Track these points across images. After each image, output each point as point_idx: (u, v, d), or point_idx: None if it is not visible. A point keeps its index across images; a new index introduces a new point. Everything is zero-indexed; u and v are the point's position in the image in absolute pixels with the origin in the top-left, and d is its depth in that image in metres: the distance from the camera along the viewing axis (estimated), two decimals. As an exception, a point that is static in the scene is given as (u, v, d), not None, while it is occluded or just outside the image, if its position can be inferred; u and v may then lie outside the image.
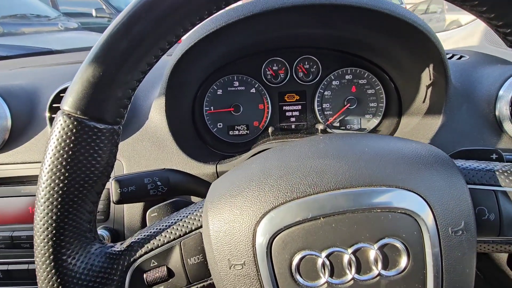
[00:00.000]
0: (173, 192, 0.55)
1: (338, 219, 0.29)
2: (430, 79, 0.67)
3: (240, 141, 0.90)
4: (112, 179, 0.49)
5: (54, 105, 0.74)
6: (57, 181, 0.31)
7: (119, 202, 0.49)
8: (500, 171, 0.35)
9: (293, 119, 0.90)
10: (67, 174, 0.31)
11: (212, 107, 0.89)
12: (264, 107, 0.89)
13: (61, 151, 0.31)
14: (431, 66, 0.65)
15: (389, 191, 0.29)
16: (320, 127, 0.81)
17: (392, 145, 0.33)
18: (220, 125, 0.90)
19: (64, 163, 0.31)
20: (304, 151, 0.34)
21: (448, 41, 1.04)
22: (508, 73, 0.65)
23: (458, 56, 0.83)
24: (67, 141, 0.31)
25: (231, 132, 0.90)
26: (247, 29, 0.66)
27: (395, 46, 0.69)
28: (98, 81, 0.31)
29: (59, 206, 0.32)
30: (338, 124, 0.89)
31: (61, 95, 0.74)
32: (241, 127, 0.90)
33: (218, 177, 0.69)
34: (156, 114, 0.69)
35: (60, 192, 0.32)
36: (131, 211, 0.67)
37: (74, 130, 0.31)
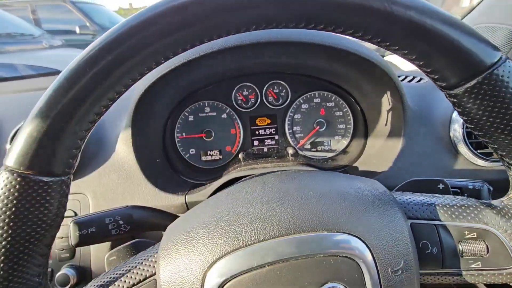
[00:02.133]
0: (137, 229, 0.54)
1: (282, 266, 0.29)
2: (390, 104, 0.71)
3: (213, 167, 0.90)
4: (71, 221, 0.48)
5: None
6: None
7: (78, 245, 0.48)
8: (440, 205, 0.37)
9: (265, 143, 0.92)
10: (10, 231, 0.31)
11: (183, 133, 0.89)
12: (236, 131, 0.90)
13: (4, 208, 0.30)
14: (388, 93, 0.68)
15: (330, 236, 0.30)
16: (290, 151, 0.83)
17: (336, 187, 0.35)
18: (192, 151, 0.90)
19: (6, 220, 0.31)
20: (254, 195, 0.35)
21: (411, 62, 1.09)
22: (460, 97, 0.69)
23: (417, 79, 0.88)
24: (10, 197, 0.30)
25: (204, 158, 0.90)
26: (213, 60, 0.67)
27: (355, 74, 0.72)
28: (42, 136, 0.31)
29: (1, 265, 0.31)
30: (309, 146, 0.91)
31: None
32: (214, 152, 0.90)
33: (187, 208, 0.69)
34: (123, 146, 0.69)
35: (3, 250, 0.31)
36: (98, 247, 0.65)
37: (17, 187, 0.30)
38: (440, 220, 0.35)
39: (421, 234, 0.35)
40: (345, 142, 0.90)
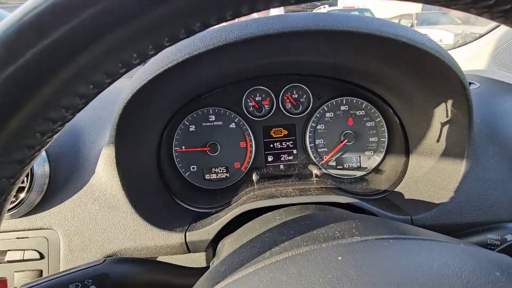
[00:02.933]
0: (118, 294, 0.38)
1: None
2: (447, 116, 0.55)
3: (218, 187, 0.74)
4: None
5: None
6: None
7: None
8: None
9: (281, 158, 0.76)
10: None
11: (183, 147, 0.73)
12: (246, 145, 0.75)
13: None
14: (449, 101, 0.53)
15: None
16: (315, 170, 0.67)
17: (461, 278, 0.19)
18: (193, 168, 0.74)
19: None
20: None
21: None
22: (540, 108, 0.54)
23: (467, 83, 0.73)
24: None
25: (207, 176, 0.74)
26: (221, 58, 0.52)
27: (403, 76, 0.57)
28: None
29: None
30: (334, 163, 0.76)
31: None
32: (220, 170, 0.75)
33: (188, 248, 0.53)
34: (105, 167, 0.53)
35: None
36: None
37: None
38: None
39: None
40: (377, 158, 0.75)
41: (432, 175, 0.59)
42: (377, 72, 0.61)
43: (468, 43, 0.89)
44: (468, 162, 0.53)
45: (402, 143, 0.70)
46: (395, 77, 0.60)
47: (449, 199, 0.52)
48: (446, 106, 0.54)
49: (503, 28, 0.79)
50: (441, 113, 0.56)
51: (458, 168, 0.54)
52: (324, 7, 10.62)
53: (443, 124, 0.58)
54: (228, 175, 0.75)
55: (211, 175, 0.75)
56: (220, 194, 0.72)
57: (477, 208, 0.51)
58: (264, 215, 0.47)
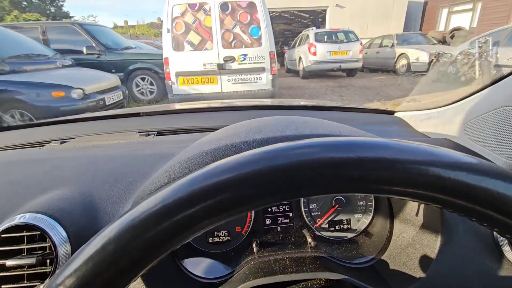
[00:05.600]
0: None
1: None
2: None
3: (220, 250, 0.80)
4: None
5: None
6: None
7: None
8: None
9: (278, 221, 0.83)
10: None
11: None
12: (246, 210, 0.81)
13: None
14: None
15: None
16: (309, 239, 0.74)
17: None
18: (198, 232, 0.80)
19: None
20: None
21: (427, 123, 1.05)
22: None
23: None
24: None
25: (210, 239, 0.80)
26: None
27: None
28: None
29: None
30: (326, 226, 0.83)
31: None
32: (222, 233, 0.81)
33: None
34: None
35: None
36: None
37: None
38: None
39: None
40: (366, 220, 0.82)
41: (413, 247, 0.66)
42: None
43: (441, 106, 1.00)
44: (442, 239, 0.61)
45: (387, 207, 0.78)
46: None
47: (426, 275, 0.60)
48: None
49: (477, 98, 0.83)
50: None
51: (433, 243, 0.61)
52: (312, 29, 11.05)
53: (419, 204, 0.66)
54: (229, 238, 0.81)
55: (214, 238, 0.81)
56: (222, 258, 0.77)
57: (449, 284, 0.58)
58: None
